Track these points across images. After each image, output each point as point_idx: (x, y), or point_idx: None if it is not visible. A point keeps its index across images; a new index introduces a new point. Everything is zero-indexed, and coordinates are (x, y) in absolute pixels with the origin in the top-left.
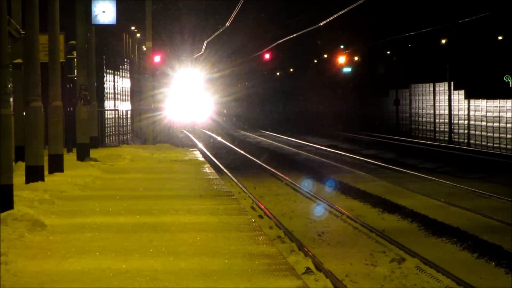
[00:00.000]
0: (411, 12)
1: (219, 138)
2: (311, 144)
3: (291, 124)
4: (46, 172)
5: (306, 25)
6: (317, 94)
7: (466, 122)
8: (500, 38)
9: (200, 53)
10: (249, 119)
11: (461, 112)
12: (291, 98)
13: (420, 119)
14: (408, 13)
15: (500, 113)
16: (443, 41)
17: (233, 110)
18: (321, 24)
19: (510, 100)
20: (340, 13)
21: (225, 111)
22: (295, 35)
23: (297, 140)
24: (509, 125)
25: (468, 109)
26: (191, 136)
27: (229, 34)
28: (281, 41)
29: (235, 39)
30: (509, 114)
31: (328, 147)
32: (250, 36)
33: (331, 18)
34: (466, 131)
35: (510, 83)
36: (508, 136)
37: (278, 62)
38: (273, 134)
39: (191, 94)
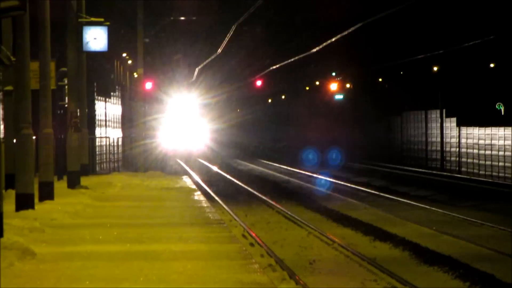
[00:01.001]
0: (403, 39)
1: (215, 168)
2: (303, 172)
3: (285, 151)
4: (36, 200)
5: (300, 52)
6: (309, 121)
7: (458, 149)
8: (492, 65)
9: (192, 80)
10: (246, 146)
11: (453, 140)
12: (286, 125)
13: (412, 146)
14: (400, 40)
15: (492, 141)
16: (435, 69)
17: (230, 137)
18: (313, 50)
19: (503, 127)
20: (333, 39)
21: (221, 139)
22: (287, 61)
23: (289, 168)
24: (501, 153)
25: (459, 137)
26: (183, 164)
27: (223, 60)
28: (273, 67)
29: (228, 66)
30: (501, 142)
31: (319, 175)
32: (244, 63)
33: (323, 45)
34: (458, 159)
35: (502, 110)
36: (500, 164)
37: (271, 89)
38: (266, 162)
39: (186, 121)
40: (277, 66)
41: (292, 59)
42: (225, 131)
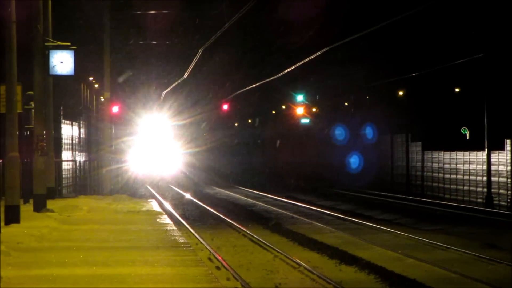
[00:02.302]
0: (369, 63)
1: (188, 195)
2: (269, 195)
3: (256, 176)
4: (2, 223)
5: (269, 75)
6: (278, 145)
7: (422, 173)
8: (457, 90)
9: (159, 103)
10: (221, 171)
11: (418, 164)
12: (257, 148)
13: (378, 170)
14: (366, 64)
15: (457, 165)
16: (401, 93)
17: (205, 161)
18: (280, 75)
19: (468, 152)
20: (299, 64)
21: (196, 163)
22: (254, 85)
23: (256, 191)
24: (466, 177)
25: (422, 161)
26: (153, 191)
27: (194, 82)
28: (239, 91)
29: (200, 87)
30: (466, 166)
31: (286, 198)
32: (214, 86)
33: (292, 68)
34: (422, 183)
35: (468, 135)
36: (465, 188)
37: (239, 113)
38: (239, 187)
39: (157, 144)
40: (248, 88)
41: (261, 82)
42: (200, 155)
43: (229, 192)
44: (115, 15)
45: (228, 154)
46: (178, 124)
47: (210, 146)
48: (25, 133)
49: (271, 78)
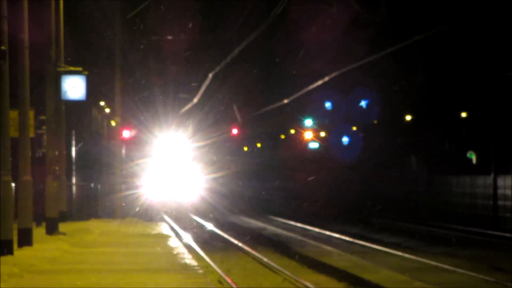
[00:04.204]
0: (376, 85)
1: (200, 220)
2: (278, 219)
3: (272, 201)
4: (15, 246)
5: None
6: (294, 169)
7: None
8: (463, 114)
9: (170, 128)
10: (240, 195)
11: (424, 187)
12: (274, 172)
13: (386, 193)
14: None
15: (464, 189)
16: (408, 118)
17: (228, 186)
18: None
19: (475, 176)
20: (309, 88)
21: (219, 188)
22: (264, 109)
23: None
24: (472, 201)
25: (428, 184)
26: (165, 215)
27: (207, 107)
28: (255, 114)
29: (213, 114)
30: (472, 190)
31: (295, 222)
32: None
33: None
34: (428, 206)
35: (474, 159)
36: (472, 211)
37: (251, 136)
38: (253, 211)
39: (176, 167)
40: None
41: (280, 103)
42: (216, 180)
43: (240, 216)
44: (127, 40)
45: (245, 178)
46: (206, 142)
47: (226, 171)
48: (37, 155)
49: (284, 101)
